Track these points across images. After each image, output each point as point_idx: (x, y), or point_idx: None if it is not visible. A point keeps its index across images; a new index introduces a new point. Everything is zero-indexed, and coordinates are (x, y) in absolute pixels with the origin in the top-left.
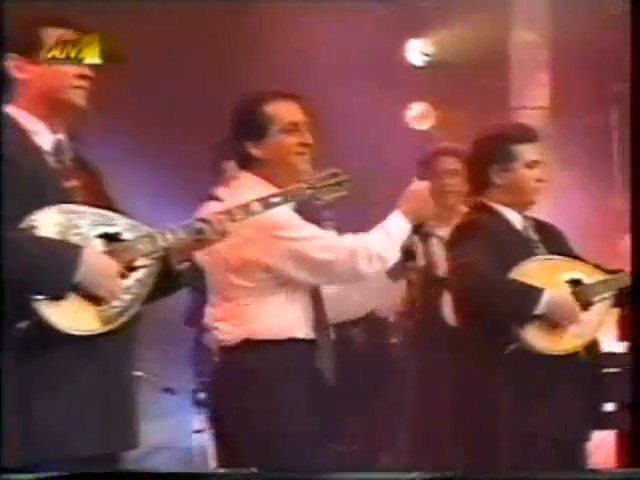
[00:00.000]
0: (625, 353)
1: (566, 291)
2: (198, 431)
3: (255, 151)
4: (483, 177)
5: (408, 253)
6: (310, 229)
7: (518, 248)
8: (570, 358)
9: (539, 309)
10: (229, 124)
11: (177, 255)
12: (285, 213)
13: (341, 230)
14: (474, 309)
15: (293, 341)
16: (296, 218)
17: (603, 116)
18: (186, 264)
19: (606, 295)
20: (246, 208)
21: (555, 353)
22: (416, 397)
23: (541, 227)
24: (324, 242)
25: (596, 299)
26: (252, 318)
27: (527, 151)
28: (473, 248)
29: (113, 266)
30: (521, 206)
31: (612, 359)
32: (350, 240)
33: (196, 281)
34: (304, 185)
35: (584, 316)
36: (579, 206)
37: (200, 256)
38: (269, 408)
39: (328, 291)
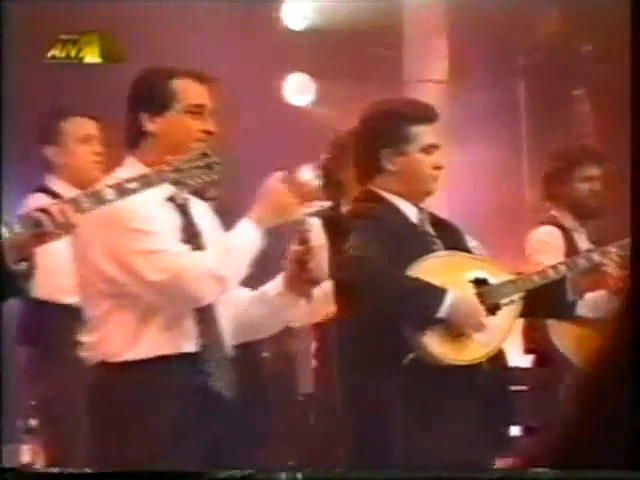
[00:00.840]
0: (531, 368)
1: (471, 292)
2: (26, 465)
3: (150, 126)
4: (373, 162)
5: (298, 263)
6: (151, 241)
7: (414, 243)
8: (472, 371)
9: (442, 312)
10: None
11: (12, 253)
12: (133, 214)
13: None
14: (367, 312)
15: (160, 359)
16: (144, 222)
17: (509, 92)
18: (24, 264)
19: (514, 297)
20: (97, 195)
21: (457, 363)
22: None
23: (438, 222)
24: (159, 260)
25: (503, 302)
26: (108, 334)
27: (424, 133)
28: (364, 241)
29: None
30: (416, 196)
31: (517, 375)
32: (185, 259)
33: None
34: (167, 168)
35: (490, 321)
36: (480, 196)
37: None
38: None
39: (224, 306)
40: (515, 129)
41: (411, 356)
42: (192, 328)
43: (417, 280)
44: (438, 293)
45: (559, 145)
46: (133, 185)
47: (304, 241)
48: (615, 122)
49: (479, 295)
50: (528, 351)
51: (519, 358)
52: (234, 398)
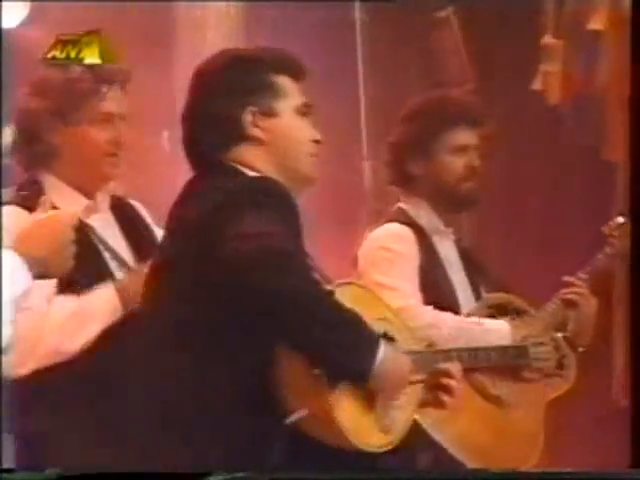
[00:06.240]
0: None
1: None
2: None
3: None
4: (230, 124)
5: None
6: None
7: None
8: (363, 460)
9: (374, 369)
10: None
11: None
12: None
13: None
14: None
15: None
16: None
17: (337, 12)
18: None
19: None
20: None
21: (352, 446)
22: None
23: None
24: None
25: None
26: None
27: (295, 89)
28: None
29: None
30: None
31: None
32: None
33: None
34: None
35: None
36: None
37: None
38: None
39: None
40: (347, 70)
41: (296, 416)
42: None
43: (350, 312)
44: (372, 339)
45: (415, 96)
46: None
47: None
48: (502, 62)
49: None
50: None
51: None
52: None
